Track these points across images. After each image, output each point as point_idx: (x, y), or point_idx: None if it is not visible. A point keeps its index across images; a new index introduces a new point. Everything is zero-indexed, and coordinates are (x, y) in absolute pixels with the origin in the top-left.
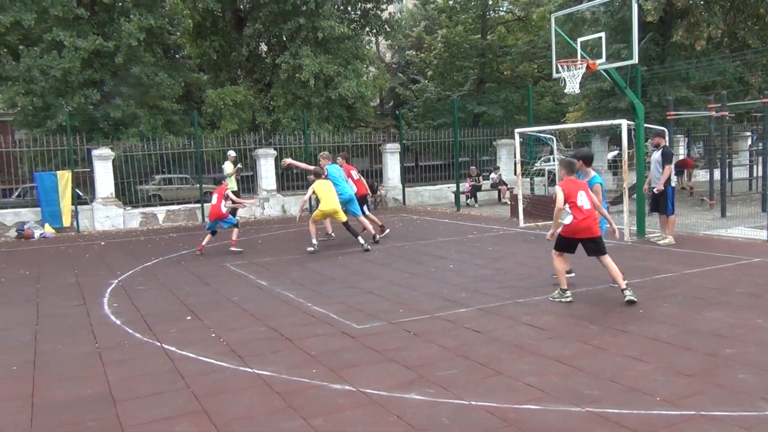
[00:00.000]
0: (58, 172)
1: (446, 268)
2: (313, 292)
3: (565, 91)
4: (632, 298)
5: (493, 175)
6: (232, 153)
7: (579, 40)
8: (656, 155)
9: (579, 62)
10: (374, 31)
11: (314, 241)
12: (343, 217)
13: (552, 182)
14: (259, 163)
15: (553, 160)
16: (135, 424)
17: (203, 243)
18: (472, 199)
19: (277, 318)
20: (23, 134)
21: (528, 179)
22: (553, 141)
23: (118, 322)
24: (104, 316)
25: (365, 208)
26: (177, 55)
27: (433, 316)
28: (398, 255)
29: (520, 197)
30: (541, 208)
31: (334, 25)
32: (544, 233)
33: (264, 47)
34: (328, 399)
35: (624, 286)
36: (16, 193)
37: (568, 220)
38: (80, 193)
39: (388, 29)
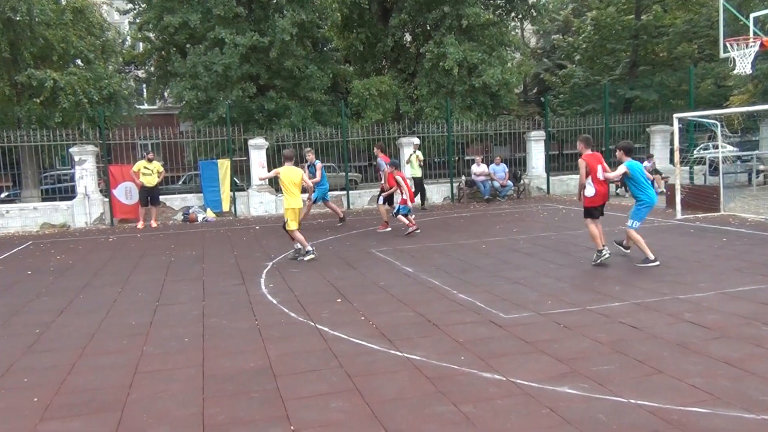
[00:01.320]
0: (218, 160)
1: None
2: (459, 280)
3: (735, 71)
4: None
5: (646, 163)
6: (416, 140)
7: (751, 15)
8: None
9: (751, 40)
10: (520, 16)
11: (309, 248)
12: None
13: (714, 171)
14: (403, 152)
15: (714, 148)
16: (294, 397)
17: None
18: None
19: (424, 304)
20: (188, 126)
21: (687, 168)
22: (717, 127)
23: (274, 301)
24: (262, 295)
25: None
26: (325, 48)
27: (584, 308)
28: (544, 245)
29: (677, 187)
30: (701, 198)
31: (479, 12)
32: (705, 226)
33: (408, 37)
34: (478, 386)
35: (600, 247)
36: (182, 180)
37: (591, 192)
38: (237, 181)
39: (534, 14)
